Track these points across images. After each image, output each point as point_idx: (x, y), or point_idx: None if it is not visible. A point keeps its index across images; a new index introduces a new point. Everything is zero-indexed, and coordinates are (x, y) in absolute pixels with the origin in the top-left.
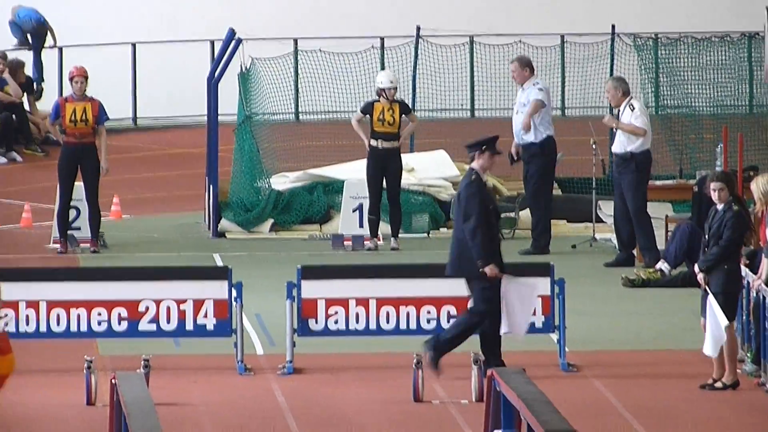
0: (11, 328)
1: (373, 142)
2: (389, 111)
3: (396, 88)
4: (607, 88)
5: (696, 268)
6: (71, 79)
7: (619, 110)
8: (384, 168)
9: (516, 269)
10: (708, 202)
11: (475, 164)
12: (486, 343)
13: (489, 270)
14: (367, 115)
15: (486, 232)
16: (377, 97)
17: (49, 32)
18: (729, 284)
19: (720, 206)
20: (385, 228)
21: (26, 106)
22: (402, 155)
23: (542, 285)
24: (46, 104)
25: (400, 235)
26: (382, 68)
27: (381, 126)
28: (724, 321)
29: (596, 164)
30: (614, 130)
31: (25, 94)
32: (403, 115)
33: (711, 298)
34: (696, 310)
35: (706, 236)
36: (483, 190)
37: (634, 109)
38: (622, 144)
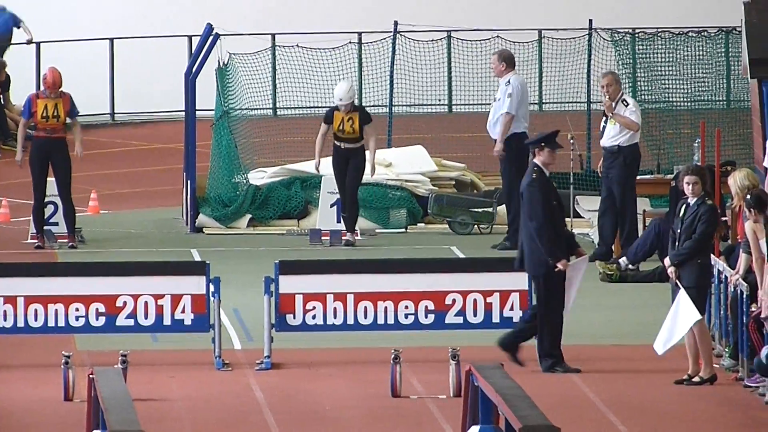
0: None
1: (336, 143)
2: (348, 121)
3: (350, 102)
4: (607, 81)
5: (667, 261)
6: (45, 87)
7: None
8: (347, 164)
9: (493, 263)
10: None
11: (536, 160)
12: (518, 338)
13: (561, 265)
14: (330, 125)
15: (552, 229)
16: (337, 107)
17: (24, 30)
18: (702, 278)
19: (692, 200)
20: (362, 223)
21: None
22: (379, 150)
23: (520, 280)
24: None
25: (378, 231)
26: (360, 63)
27: (342, 134)
28: (697, 315)
29: (574, 159)
30: (602, 123)
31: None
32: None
33: (683, 292)
34: None
35: (678, 230)
36: (545, 187)
37: (628, 104)
38: (611, 138)
